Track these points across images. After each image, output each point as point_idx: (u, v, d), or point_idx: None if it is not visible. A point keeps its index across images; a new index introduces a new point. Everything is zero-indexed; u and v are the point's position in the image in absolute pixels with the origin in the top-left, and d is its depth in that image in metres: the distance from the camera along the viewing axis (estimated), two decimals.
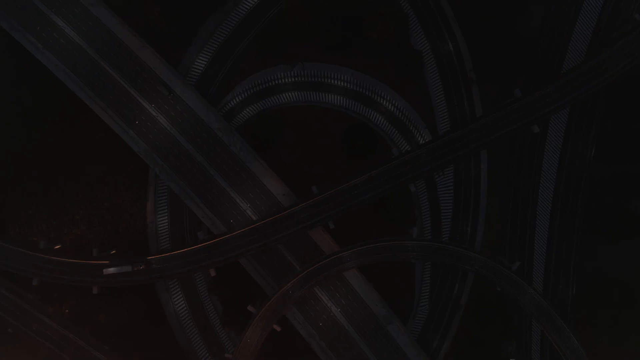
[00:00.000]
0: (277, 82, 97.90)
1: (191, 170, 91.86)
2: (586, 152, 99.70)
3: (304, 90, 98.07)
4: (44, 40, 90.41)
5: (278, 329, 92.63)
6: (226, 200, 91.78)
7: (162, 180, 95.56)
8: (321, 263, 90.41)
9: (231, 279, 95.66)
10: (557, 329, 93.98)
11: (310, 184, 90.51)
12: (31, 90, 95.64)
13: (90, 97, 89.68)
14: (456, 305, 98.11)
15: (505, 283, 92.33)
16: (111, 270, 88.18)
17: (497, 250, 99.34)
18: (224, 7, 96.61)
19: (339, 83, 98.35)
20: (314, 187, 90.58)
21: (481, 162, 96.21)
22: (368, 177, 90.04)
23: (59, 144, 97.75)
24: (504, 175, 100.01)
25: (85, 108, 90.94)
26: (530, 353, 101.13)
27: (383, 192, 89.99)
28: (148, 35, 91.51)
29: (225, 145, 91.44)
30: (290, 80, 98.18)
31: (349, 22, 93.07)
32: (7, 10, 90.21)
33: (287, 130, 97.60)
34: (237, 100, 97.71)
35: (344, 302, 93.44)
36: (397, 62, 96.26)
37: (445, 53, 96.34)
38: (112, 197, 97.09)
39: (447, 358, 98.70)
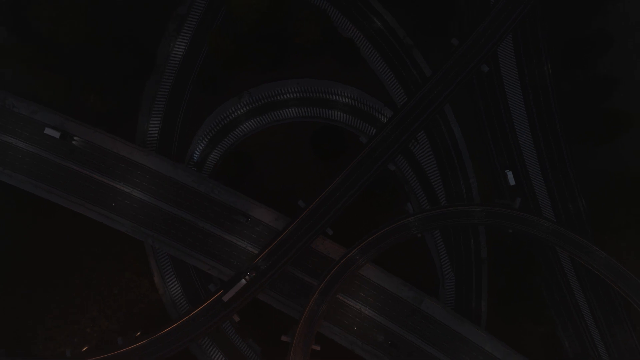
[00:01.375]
0: (232, 116, 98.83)
1: (181, 229, 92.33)
2: (543, 69, 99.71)
3: (259, 115, 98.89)
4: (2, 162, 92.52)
5: (317, 348, 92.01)
6: (224, 245, 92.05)
7: (158, 249, 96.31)
8: (334, 269, 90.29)
9: (257, 316, 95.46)
10: (581, 248, 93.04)
11: (296, 200, 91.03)
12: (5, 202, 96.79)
13: (62, 197, 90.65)
14: (479, 261, 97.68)
15: (515, 223, 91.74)
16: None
17: (497, 195, 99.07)
18: (157, 67, 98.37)
19: (290, 95, 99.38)
20: (300, 201, 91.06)
21: (449, 118, 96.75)
22: (347, 173, 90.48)
23: (46, 247, 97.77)
24: (474, 124, 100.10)
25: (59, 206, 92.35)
26: (567, 281, 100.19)
27: (366, 182, 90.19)
28: (97, 119, 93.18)
29: (205, 195, 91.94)
30: (243, 110, 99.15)
31: (276, 37, 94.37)
32: None
33: (256, 158, 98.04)
34: (201, 147, 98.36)
35: (371, 300, 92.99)
36: (335, 57, 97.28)
37: (375, 31, 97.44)
38: (117, 281, 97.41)
39: (490, 315, 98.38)
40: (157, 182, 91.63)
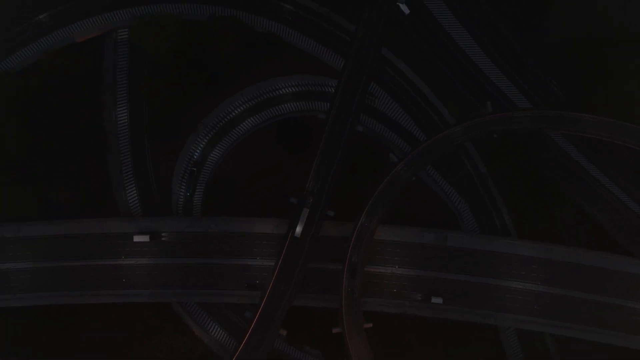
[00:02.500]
0: (197, 152, 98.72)
1: (197, 274, 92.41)
2: None
3: (220, 139, 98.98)
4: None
5: (369, 325, 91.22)
6: (241, 270, 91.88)
7: (185, 303, 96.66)
8: (351, 245, 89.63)
9: (301, 323, 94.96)
10: (568, 120, 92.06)
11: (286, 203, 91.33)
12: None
13: (71, 296, 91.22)
14: (481, 177, 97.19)
15: (495, 126, 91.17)
16: None
17: (468, 108, 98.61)
18: (109, 144, 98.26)
19: (241, 109, 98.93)
20: (292, 198, 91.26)
21: (394, 62, 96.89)
22: (320, 155, 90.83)
23: (78, 351, 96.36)
24: (421, 59, 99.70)
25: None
26: (572, 159, 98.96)
27: (342, 153, 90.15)
28: (77, 208, 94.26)
29: (202, 233, 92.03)
30: (204, 142, 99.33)
31: (205, 60, 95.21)
32: None
33: (234, 178, 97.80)
34: (182, 190, 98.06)
35: (397, 258, 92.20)
36: (264, 54, 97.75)
37: (290, 13, 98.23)
38: (160, 350, 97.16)
39: (517, 225, 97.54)
40: (155, 242, 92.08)
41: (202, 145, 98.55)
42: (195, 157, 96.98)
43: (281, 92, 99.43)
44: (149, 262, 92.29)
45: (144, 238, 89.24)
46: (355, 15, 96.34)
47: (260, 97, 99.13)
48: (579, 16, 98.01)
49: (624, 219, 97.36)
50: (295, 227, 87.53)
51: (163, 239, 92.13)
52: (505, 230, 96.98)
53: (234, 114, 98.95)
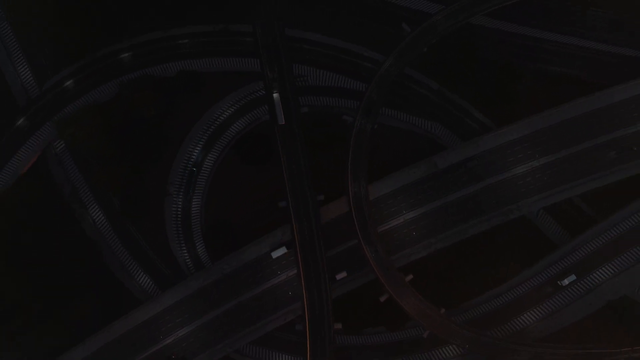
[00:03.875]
0: (179, 208, 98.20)
1: (236, 316, 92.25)
2: None
3: (193, 190, 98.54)
4: None
5: (410, 277, 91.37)
6: (272, 291, 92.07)
7: (239, 348, 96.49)
8: (354, 216, 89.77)
9: (351, 311, 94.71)
10: None
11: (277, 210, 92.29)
12: None
13: None
14: (438, 93, 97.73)
15: (420, 41, 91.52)
16: None
17: (389, 39, 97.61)
18: (99, 246, 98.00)
19: (199, 149, 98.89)
20: (282, 202, 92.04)
21: (300, 35, 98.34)
22: (283, 149, 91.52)
23: None
24: (322, 18, 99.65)
25: None
26: (504, 32, 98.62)
27: (300, 134, 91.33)
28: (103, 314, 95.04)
29: (221, 277, 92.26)
30: (181, 197, 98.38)
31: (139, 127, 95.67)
32: None
33: (222, 214, 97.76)
34: (183, 249, 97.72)
35: (402, 205, 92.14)
36: (188, 92, 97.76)
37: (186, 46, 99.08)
38: None
39: (490, 117, 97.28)
40: (184, 308, 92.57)
41: (180, 200, 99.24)
42: (179, 208, 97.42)
43: (225, 116, 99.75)
44: (189, 329, 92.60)
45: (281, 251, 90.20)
46: (251, 15, 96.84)
47: (210, 128, 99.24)
48: None
49: (579, 58, 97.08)
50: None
51: (190, 301, 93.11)
52: (483, 127, 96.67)
53: (194, 156, 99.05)
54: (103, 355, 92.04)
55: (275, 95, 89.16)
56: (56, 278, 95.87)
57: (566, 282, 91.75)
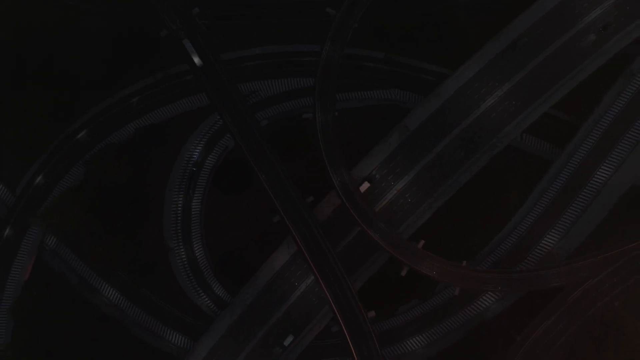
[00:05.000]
0: (182, 255, 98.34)
1: (273, 339, 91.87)
2: None
3: (189, 235, 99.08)
4: None
5: (423, 242, 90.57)
6: (297, 304, 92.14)
7: None
8: (349, 207, 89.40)
9: (378, 296, 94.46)
10: None
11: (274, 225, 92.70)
12: None
13: None
14: (386, 61, 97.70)
15: (350, 18, 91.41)
16: None
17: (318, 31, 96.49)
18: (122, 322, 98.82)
19: (182, 194, 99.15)
20: (275, 218, 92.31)
21: (232, 56, 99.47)
22: (261, 172, 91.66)
23: None
24: (242, 34, 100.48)
25: None
26: None
27: (269, 157, 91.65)
28: None
29: (246, 308, 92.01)
30: (182, 247, 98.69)
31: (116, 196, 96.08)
32: None
33: (225, 247, 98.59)
34: (202, 295, 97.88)
35: (389, 178, 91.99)
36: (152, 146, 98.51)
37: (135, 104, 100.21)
38: None
39: (442, 63, 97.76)
40: (221, 352, 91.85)
41: (182, 250, 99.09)
42: (184, 258, 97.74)
43: (196, 155, 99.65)
44: None
45: None
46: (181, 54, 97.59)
47: (185, 172, 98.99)
48: None
49: None
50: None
51: (226, 341, 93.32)
52: (440, 76, 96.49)
53: (180, 203, 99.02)
54: None
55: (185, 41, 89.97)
56: None
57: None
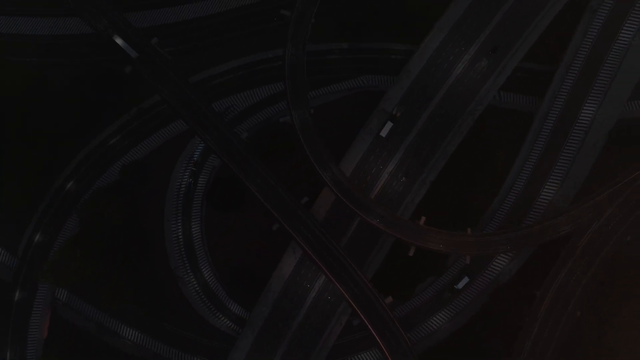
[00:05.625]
0: (195, 283, 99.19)
1: (299, 345, 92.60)
2: None
3: (195, 264, 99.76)
4: None
5: (424, 219, 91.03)
6: (316, 304, 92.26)
7: None
8: (344, 200, 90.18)
9: (396, 279, 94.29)
10: None
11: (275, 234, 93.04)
12: None
13: None
14: (348, 51, 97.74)
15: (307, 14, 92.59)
16: None
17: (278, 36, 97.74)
18: None
19: (180, 219, 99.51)
20: (274, 225, 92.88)
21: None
22: (249, 183, 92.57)
23: None
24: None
25: None
26: None
27: (255, 168, 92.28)
28: None
29: (266, 319, 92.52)
30: (193, 275, 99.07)
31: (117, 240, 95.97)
32: None
33: (236, 267, 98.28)
34: (221, 316, 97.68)
35: (377, 163, 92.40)
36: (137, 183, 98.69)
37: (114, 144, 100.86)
38: None
39: (398, 40, 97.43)
40: None
41: (192, 276, 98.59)
42: (196, 284, 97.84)
43: (185, 181, 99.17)
44: None
45: None
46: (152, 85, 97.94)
47: (179, 201, 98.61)
48: None
49: None
50: None
51: (251, 355, 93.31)
52: (408, 53, 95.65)
53: (180, 231, 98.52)
54: None
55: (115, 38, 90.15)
56: None
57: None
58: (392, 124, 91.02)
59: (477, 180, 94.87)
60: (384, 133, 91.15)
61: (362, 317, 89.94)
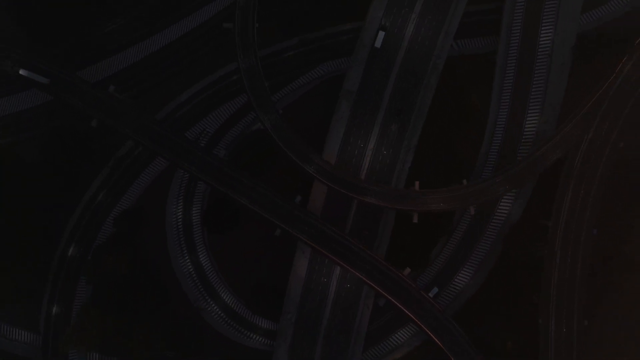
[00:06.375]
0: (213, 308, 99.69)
1: (336, 343, 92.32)
2: None
3: (213, 291, 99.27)
4: None
5: (417, 183, 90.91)
6: (339, 299, 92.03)
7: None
8: (334, 186, 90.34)
9: (407, 251, 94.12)
10: None
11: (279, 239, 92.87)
12: None
13: None
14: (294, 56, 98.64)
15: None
16: None
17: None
18: None
19: (187, 261, 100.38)
20: (277, 231, 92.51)
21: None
22: (240, 198, 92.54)
23: None
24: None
25: None
26: None
27: (241, 182, 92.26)
28: None
29: (294, 328, 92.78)
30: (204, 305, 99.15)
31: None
32: None
33: (250, 284, 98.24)
34: (253, 335, 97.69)
35: (358, 143, 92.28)
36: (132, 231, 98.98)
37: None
38: None
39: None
40: None
41: (213, 304, 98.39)
42: (219, 311, 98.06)
43: (180, 214, 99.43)
44: None
45: None
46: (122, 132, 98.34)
47: (180, 236, 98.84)
48: None
49: None
50: None
51: None
52: (357, 30, 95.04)
53: (189, 264, 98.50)
54: None
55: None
56: None
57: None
58: (384, 33, 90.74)
59: (460, 131, 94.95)
60: (378, 44, 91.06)
61: (384, 294, 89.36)
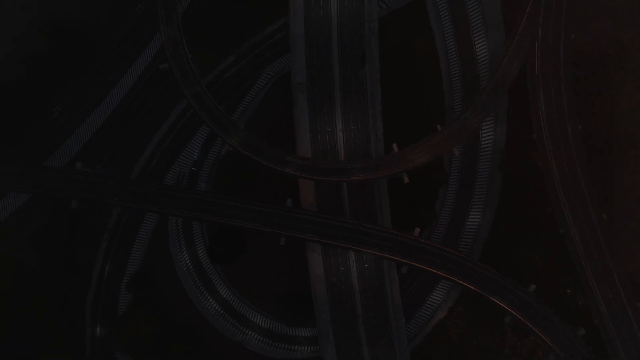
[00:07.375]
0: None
1: (378, 327, 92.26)
2: None
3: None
4: None
5: (395, 146, 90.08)
6: (365, 285, 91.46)
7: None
8: (321, 178, 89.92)
9: (409, 214, 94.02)
10: None
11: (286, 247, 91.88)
12: None
13: None
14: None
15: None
16: None
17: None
18: None
19: (209, 298, 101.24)
20: (281, 241, 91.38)
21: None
22: (237, 220, 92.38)
23: None
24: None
25: None
26: None
27: (233, 202, 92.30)
28: None
29: (332, 326, 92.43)
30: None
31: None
32: None
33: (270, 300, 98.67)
34: (295, 347, 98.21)
35: (325, 126, 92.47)
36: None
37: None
38: None
39: None
40: None
41: (248, 331, 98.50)
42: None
43: (186, 256, 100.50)
44: None
45: None
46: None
47: (193, 277, 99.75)
48: None
49: None
50: None
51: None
52: (285, 26, 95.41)
53: (212, 302, 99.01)
54: None
55: None
56: None
57: None
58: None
59: (418, 81, 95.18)
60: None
61: (403, 260, 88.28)
